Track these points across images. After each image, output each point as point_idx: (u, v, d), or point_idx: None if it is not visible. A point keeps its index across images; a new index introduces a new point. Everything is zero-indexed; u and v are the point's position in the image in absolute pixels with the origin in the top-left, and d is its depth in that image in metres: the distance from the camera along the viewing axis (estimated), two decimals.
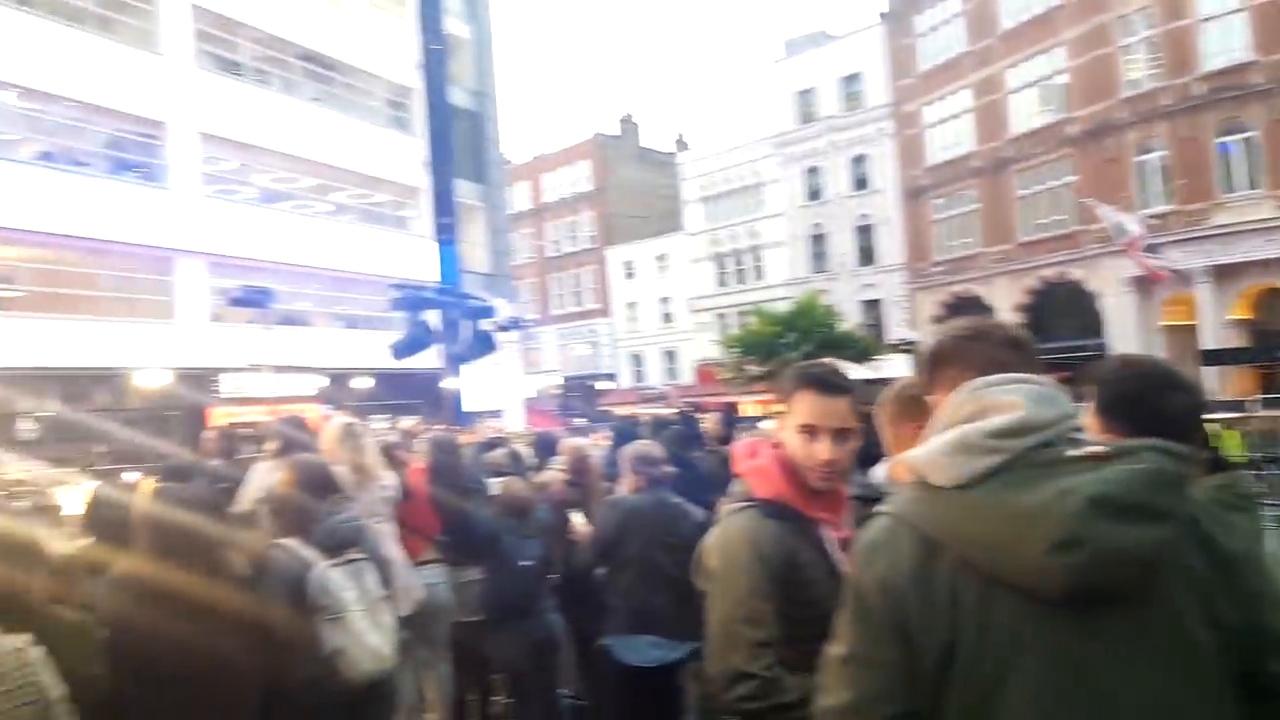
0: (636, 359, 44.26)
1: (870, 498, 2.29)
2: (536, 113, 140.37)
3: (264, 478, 4.20)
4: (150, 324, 18.98)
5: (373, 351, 21.64)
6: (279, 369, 17.15)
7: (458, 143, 27.13)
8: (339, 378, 21.57)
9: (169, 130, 19.78)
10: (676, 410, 11.36)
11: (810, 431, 2.18)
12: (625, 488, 4.48)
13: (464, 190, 27.65)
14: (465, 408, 20.08)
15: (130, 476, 7.34)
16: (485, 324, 14.55)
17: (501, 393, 25.80)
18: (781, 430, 2.26)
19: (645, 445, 4.59)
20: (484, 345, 13.67)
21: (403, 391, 21.91)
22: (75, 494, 7.03)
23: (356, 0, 25.46)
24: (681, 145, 45.40)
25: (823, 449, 2.17)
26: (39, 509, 4.41)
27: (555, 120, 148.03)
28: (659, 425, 6.82)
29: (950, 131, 30.71)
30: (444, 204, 26.12)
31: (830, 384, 2.22)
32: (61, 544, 3.03)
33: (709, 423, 7.28)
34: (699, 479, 5.20)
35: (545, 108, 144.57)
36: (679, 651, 4.10)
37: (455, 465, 5.33)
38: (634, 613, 4.17)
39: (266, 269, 20.06)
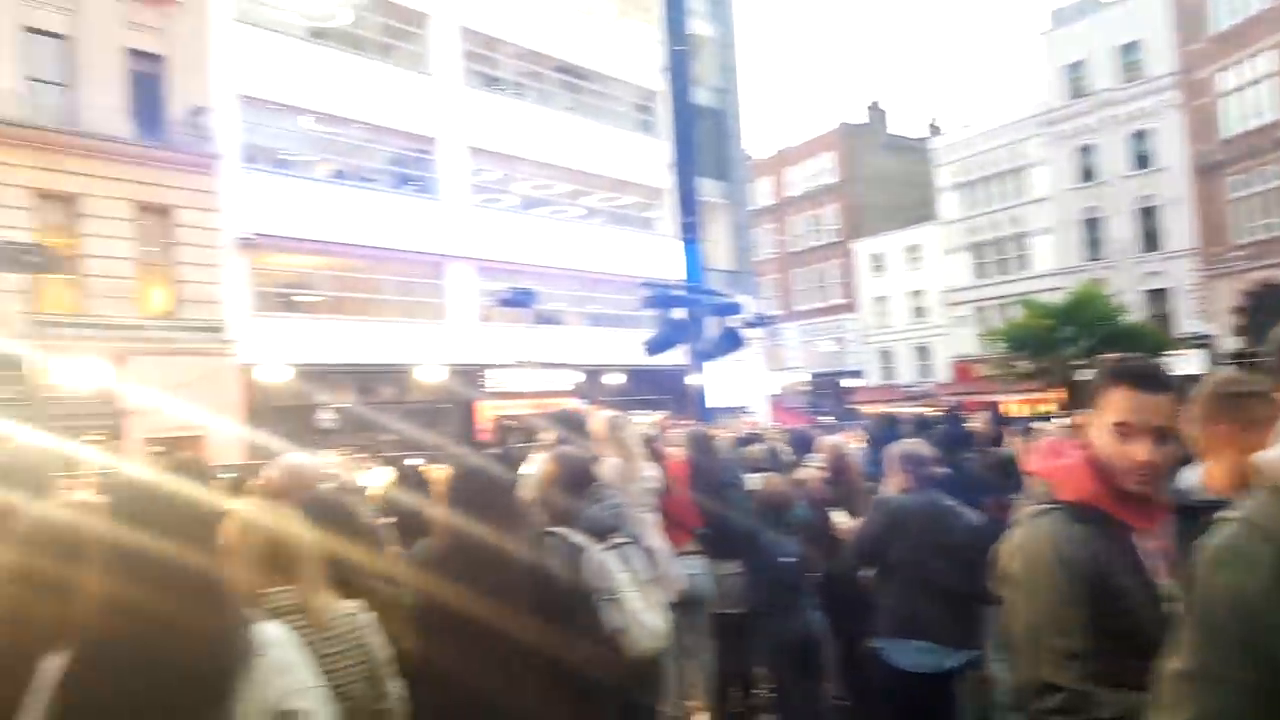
0: (885, 355, 42.88)
1: (1190, 505, 2.08)
2: (780, 106, 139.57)
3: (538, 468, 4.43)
4: (426, 324, 20.76)
5: (622, 348, 22.45)
6: (542, 365, 18.16)
7: (701, 141, 27.47)
8: (592, 373, 22.53)
9: (440, 145, 21.53)
10: (941, 409, 10.83)
11: (1125, 430, 2.00)
12: (892, 487, 4.32)
13: (707, 188, 27.98)
14: (709, 404, 20.25)
15: (413, 463, 7.99)
16: (732, 321, 14.61)
17: (745, 389, 25.88)
18: (1090, 429, 2.08)
19: (913, 444, 4.40)
20: (731, 342, 13.72)
21: (651, 387, 22.54)
22: (371, 478, 7.76)
23: (606, 10, 26.52)
24: (934, 130, 43.44)
25: (1139, 449, 1.99)
26: (345, 490, 4.90)
27: (799, 112, 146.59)
28: (922, 424, 6.51)
29: (1250, 99, 27.31)
30: (688, 203, 26.50)
31: (1150, 379, 2.03)
32: (370, 520, 3.34)
33: (977, 422, 6.89)
34: (969, 481, 4.93)
35: (789, 100, 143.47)
36: (954, 659, 3.92)
37: (713, 460, 5.39)
38: (902, 616, 4.01)
39: (526, 271, 21.31)
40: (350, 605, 2.35)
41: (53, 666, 1.68)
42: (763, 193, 46.03)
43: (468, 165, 22.08)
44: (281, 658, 1.75)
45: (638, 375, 22.77)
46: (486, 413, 20.61)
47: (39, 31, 15.60)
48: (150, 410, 14.75)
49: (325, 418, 18.17)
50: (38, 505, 2.24)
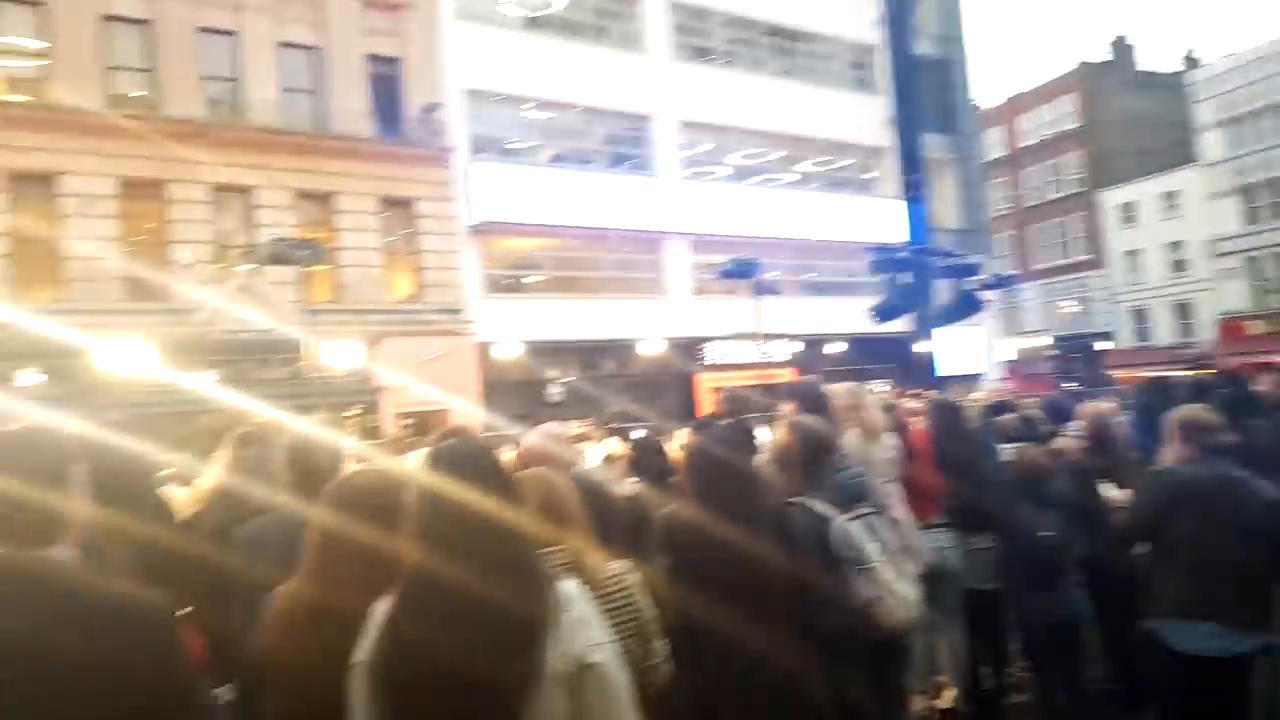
0: (1138, 314, 39.18)
1: None
2: (1011, 49, 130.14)
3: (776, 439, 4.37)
4: (645, 299, 21.16)
5: (841, 316, 21.90)
6: (761, 336, 18.04)
7: (923, 95, 26.19)
8: (811, 343, 22.15)
9: (654, 122, 21.77)
10: (1215, 371, 9.71)
11: None
12: (1170, 457, 3.91)
13: (932, 144, 26.64)
14: (939, 372, 19.39)
15: (647, 433, 8.12)
16: (968, 283, 13.84)
17: (977, 355, 24.56)
18: None
19: (1195, 409, 3.95)
20: (968, 306, 13.00)
21: (873, 356, 21.87)
22: (605, 448, 7.97)
23: None
24: (1191, 62, 39.03)
25: None
26: (583, 457, 5.05)
27: (1032, 55, 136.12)
28: (1199, 388, 5.82)
29: None
30: (910, 161, 25.45)
31: None
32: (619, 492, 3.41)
33: (1265, 384, 6.09)
34: (1259, 450, 4.37)
35: (1021, 42, 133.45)
36: (1246, 643, 3.51)
37: (960, 429, 5.11)
38: (1186, 596, 3.63)
39: (740, 242, 21.18)
40: (619, 565, 2.41)
41: (380, 610, 1.84)
42: (993, 144, 43.16)
43: (680, 139, 22.21)
44: (582, 613, 1.84)
45: (858, 344, 22.15)
46: (705, 385, 20.78)
47: (292, 45, 17.18)
48: (399, 387, 15.94)
49: (553, 391, 18.99)
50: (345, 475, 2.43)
